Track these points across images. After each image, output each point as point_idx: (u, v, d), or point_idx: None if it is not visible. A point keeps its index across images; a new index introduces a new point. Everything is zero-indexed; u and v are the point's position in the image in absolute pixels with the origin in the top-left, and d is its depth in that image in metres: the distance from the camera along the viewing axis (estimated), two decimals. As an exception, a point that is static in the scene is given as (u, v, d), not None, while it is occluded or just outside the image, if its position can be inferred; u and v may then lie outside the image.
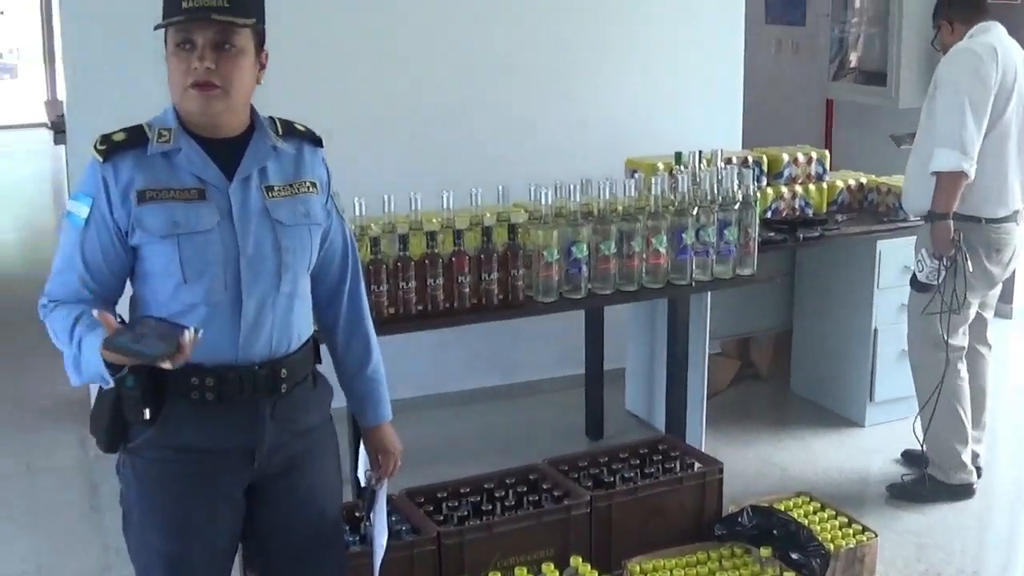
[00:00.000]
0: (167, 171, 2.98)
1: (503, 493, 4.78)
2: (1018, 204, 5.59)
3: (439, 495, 4.76)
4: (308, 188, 3.17)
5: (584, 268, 5.28)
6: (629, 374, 6.83)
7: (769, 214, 6.38)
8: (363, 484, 3.58)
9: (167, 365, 2.71)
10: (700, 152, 5.82)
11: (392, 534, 4.03)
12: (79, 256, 2.98)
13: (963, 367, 5.70)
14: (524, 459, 5.19)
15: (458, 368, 6.96)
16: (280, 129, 3.16)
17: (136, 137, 2.99)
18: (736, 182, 5.60)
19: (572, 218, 5.24)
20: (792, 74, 10.09)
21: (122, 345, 2.73)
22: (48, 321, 3.01)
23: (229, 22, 2.92)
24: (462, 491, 4.77)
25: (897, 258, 6.35)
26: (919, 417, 5.76)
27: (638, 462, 5.12)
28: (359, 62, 6.53)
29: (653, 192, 5.42)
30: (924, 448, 5.74)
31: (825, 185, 6.67)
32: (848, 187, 6.78)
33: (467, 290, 5.08)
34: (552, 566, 4.32)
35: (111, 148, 2.96)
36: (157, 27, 2.96)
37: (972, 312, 5.70)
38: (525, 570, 4.18)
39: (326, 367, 3.37)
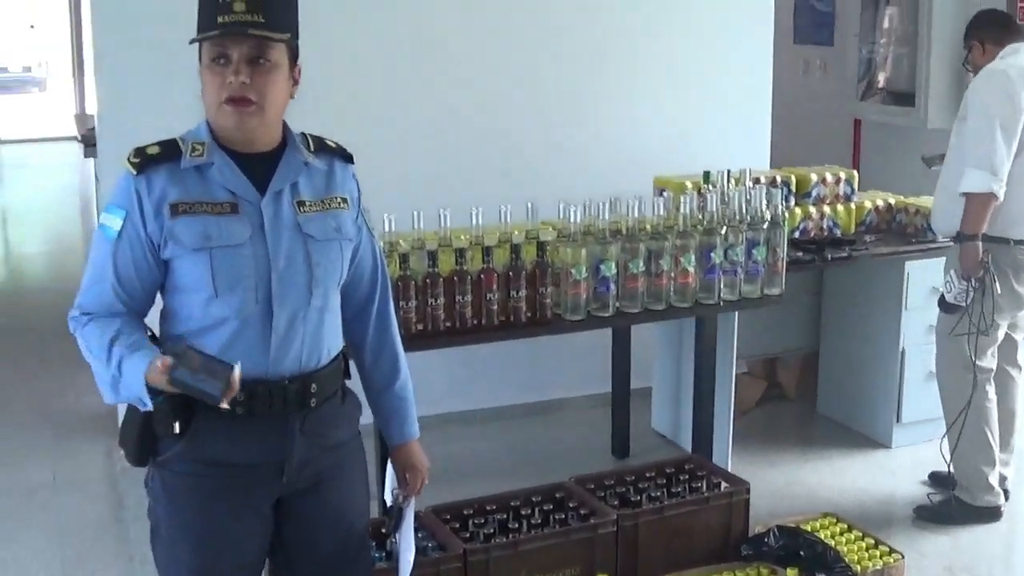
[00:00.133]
0: (200, 185, 2.99)
1: (529, 511, 4.78)
2: (1048, 226, 5.57)
3: (465, 512, 4.76)
4: (339, 204, 3.17)
5: (612, 286, 5.27)
6: (656, 393, 6.81)
7: (797, 234, 6.36)
8: (390, 503, 3.56)
9: (224, 405, 2.75)
10: (728, 171, 5.81)
11: (418, 551, 4.02)
12: (111, 268, 2.99)
13: (991, 389, 5.68)
14: (550, 477, 5.20)
15: (485, 385, 6.95)
16: (312, 145, 3.17)
17: (170, 150, 3.00)
18: (765, 202, 5.59)
19: (600, 236, 5.23)
20: (820, 94, 10.06)
21: (182, 379, 2.75)
22: (80, 335, 3.02)
23: (264, 37, 2.93)
24: (488, 508, 4.78)
25: (925, 279, 6.32)
26: (946, 438, 5.73)
27: (664, 481, 5.12)
28: (389, 80, 6.55)
29: (682, 211, 5.41)
30: (951, 469, 5.72)
31: (853, 205, 6.64)
32: (876, 207, 6.75)
33: (495, 307, 5.07)
34: (578, 584, 4.32)
35: (145, 161, 2.97)
36: (192, 41, 2.98)
37: (1001, 333, 5.68)
38: (551, 588, 4.18)
39: (354, 383, 3.37)
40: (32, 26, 23.54)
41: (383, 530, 4.20)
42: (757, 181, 6.04)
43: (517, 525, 4.71)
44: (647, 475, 5.16)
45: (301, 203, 3.08)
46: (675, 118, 7.20)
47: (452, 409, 6.80)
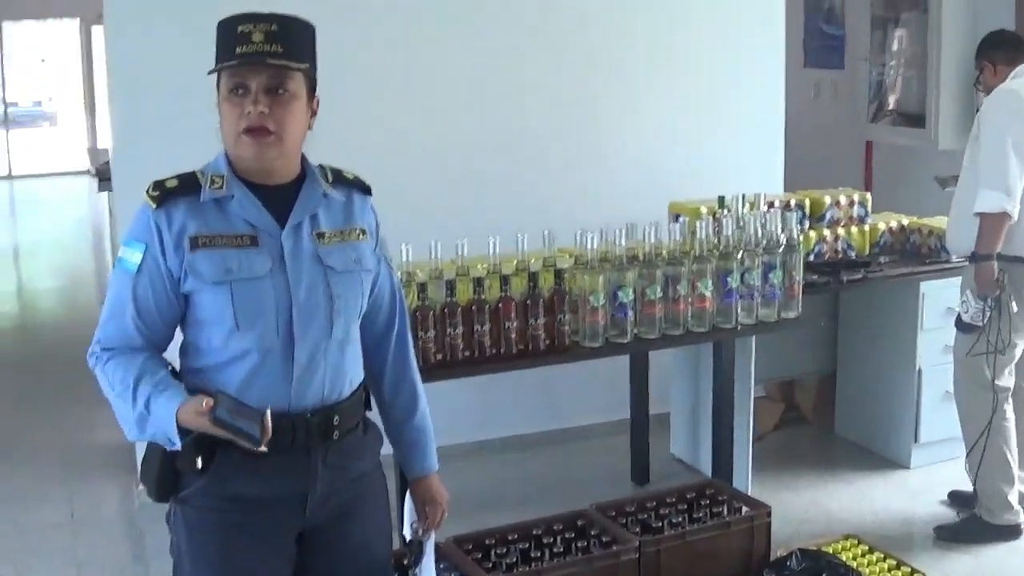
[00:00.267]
0: (220, 218, 2.99)
1: (551, 539, 4.77)
2: (1062, 244, 5.56)
3: (487, 542, 4.75)
4: (358, 235, 3.17)
5: (630, 312, 5.26)
6: (674, 418, 6.80)
7: (812, 257, 6.36)
8: (409, 537, 3.54)
9: (263, 449, 2.76)
10: (743, 196, 5.81)
11: (441, 582, 4.02)
12: (131, 302, 2.98)
13: (1009, 408, 5.67)
14: (571, 505, 5.18)
15: (504, 414, 6.95)
16: (330, 177, 3.17)
17: (189, 184, 3.00)
18: (780, 225, 5.59)
19: (618, 263, 5.23)
20: (831, 117, 10.06)
21: (224, 420, 2.76)
22: (101, 372, 3.01)
23: (283, 66, 2.93)
24: (510, 538, 4.77)
25: (940, 299, 6.31)
26: (968, 459, 5.72)
27: (685, 507, 5.11)
28: (405, 110, 6.57)
29: (698, 236, 5.41)
30: (975, 488, 5.70)
31: (867, 227, 6.65)
32: (890, 229, 6.75)
33: (514, 335, 5.07)
34: (602, 612, 4.31)
35: (164, 194, 2.97)
36: (211, 72, 2.98)
37: (1018, 352, 5.67)
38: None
39: (374, 414, 3.37)
40: (43, 60, 23.59)
41: (404, 562, 4.19)
42: (771, 205, 6.05)
43: (539, 554, 4.70)
44: (668, 501, 5.15)
45: (321, 235, 3.08)
46: (688, 144, 7.21)
47: (472, 439, 6.79)
